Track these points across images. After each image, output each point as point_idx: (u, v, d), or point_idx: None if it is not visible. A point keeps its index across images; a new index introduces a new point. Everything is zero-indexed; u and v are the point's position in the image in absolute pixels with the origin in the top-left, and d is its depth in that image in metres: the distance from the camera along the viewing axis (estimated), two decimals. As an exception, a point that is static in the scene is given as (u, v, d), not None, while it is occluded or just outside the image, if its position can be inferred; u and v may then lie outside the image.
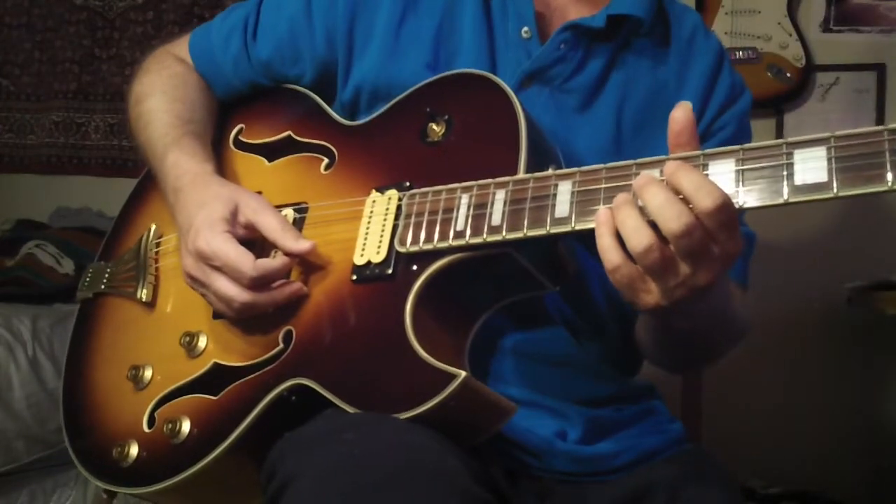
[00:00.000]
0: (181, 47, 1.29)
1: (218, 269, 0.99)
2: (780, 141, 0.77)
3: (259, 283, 0.99)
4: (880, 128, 0.73)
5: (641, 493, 1.01)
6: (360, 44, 1.15)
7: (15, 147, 3.10)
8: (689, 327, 0.93)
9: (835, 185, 0.73)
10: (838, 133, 0.75)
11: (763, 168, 0.77)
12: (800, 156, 0.76)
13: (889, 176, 0.71)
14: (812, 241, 2.40)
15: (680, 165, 0.78)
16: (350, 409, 0.90)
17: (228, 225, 1.01)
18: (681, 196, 0.77)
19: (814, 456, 2.32)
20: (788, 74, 2.38)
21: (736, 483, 1.13)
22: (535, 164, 0.94)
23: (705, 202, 0.75)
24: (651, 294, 0.82)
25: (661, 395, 1.20)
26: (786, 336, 2.35)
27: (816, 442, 2.34)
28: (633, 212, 0.78)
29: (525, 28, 1.11)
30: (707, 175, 0.79)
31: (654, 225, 0.78)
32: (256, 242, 1.04)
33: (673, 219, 0.76)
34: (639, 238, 0.77)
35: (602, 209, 0.82)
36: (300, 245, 1.00)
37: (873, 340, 2.29)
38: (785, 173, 0.76)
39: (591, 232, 0.83)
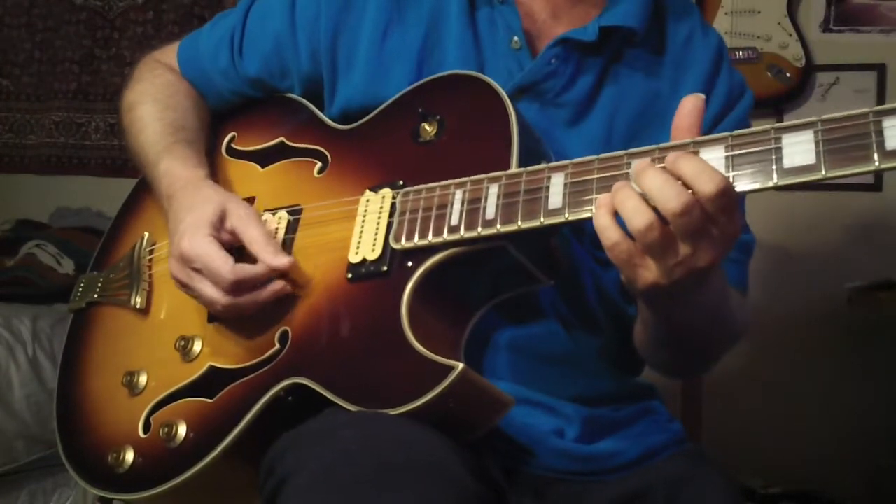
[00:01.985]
0: (170, 56, 1.29)
1: (199, 271, 1.00)
2: (767, 126, 0.79)
3: (237, 287, 0.99)
4: (866, 110, 0.75)
5: (640, 492, 1.01)
6: (344, 62, 1.15)
7: (15, 147, 3.11)
8: (687, 319, 0.93)
9: (823, 166, 0.75)
10: (825, 117, 0.76)
11: (752, 153, 0.79)
12: (788, 140, 0.77)
13: (875, 155, 0.73)
14: (812, 241, 2.40)
15: (681, 153, 0.79)
16: (348, 407, 0.90)
17: (213, 229, 1.02)
18: (681, 182, 0.78)
19: (814, 456, 2.32)
20: (788, 74, 2.38)
21: (735, 483, 1.12)
22: (527, 161, 0.94)
23: (707, 187, 0.76)
24: (650, 271, 0.82)
25: (660, 395, 1.20)
26: (786, 336, 2.35)
27: (816, 442, 2.34)
28: (633, 193, 0.80)
29: (514, 38, 1.10)
30: None
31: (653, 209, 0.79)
32: (244, 248, 1.04)
33: (672, 198, 0.77)
34: (639, 217, 0.78)
35: (602, 195, 0.83)
36: (278, 260, 1.00)
37: (873, 340, 2.29)
38: (773, 157, 0.77)
39: (585, 222, 0.84)
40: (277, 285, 1.00)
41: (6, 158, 3.11)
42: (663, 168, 0.79)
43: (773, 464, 2.28)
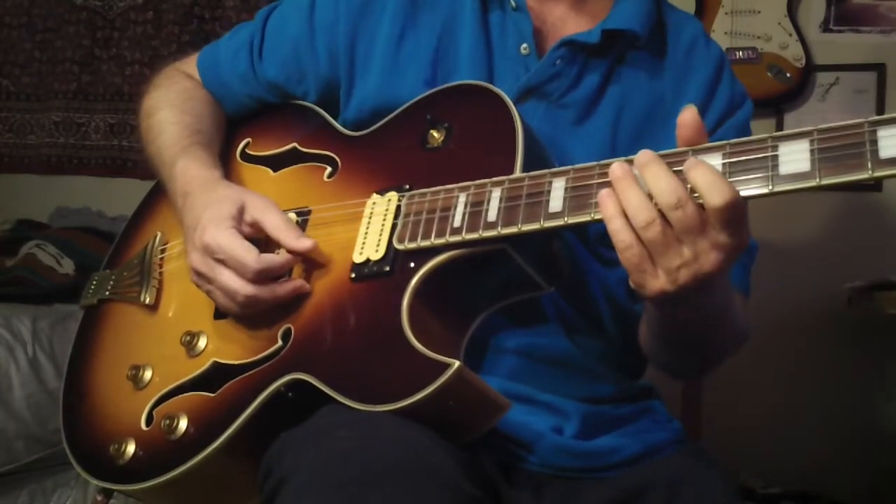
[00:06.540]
0: (190, 65, 1.33)
1: (223, 262, 1.01)
2: (764, 136, 0.81)
3: (262, 276, 1.01)
4: (861, 120, 0.76)
5: (639, 490, 1.01)
6: (361, 63, 1.17)
7: (15, 147, 3.11)
8: (692, 320, 0.94)
9: (818, 173, 0.77)
10: (821, 126, 0.78)
11: (749, 161, 0.80)
12: (784, 149, 0.79)
13: (869, 164, 0.75)
14: (812, 241, 2.40)
15: (698, 161, 0.80)
16: (346, 402, 0.91)
17: (234, 222, 1.03)
18: (695, 194, 0.79)
19: (814, 456, 2.32)
20: (788, 74, 2.38)
21: (735, 482, 1.13)
22: (531, 169, 0.96)
23: (715, 200, 0.78)
24: (658, 279, 0.84)
25: (660, 395, 1.20)
26: (786, 336, 2.35)
27: (816, 442, 2.34)
28: (638, 191, 0.81)
29: (524, 45, 1.12)
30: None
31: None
32: (262, 242, 1.05)
33: (666, 192, 0.79)
34: (642, 212, 0.81)
35: (604, 191, 0.84)
36: (302, 243, 1.02)
37: (873, 340, 2.29)
38: (770, 164, 0.79)
39: (584, 226, 0.86)
40: (298, 283, 1.02)
41: (6, 158, 3.11)
42: (668, 166, 0.81)
43: (773, 464, 2.29)
